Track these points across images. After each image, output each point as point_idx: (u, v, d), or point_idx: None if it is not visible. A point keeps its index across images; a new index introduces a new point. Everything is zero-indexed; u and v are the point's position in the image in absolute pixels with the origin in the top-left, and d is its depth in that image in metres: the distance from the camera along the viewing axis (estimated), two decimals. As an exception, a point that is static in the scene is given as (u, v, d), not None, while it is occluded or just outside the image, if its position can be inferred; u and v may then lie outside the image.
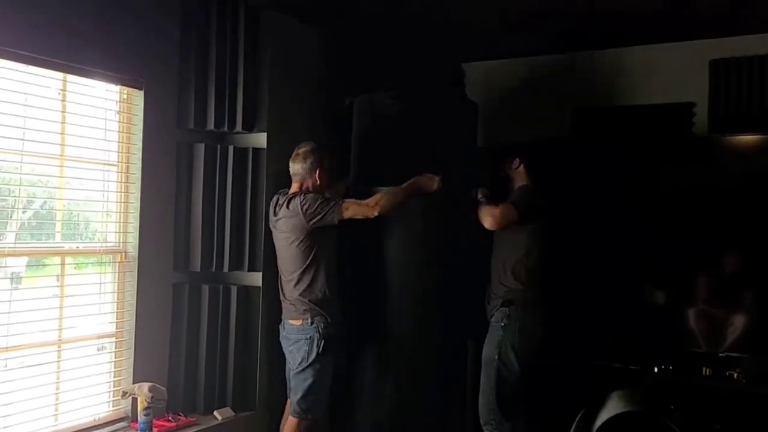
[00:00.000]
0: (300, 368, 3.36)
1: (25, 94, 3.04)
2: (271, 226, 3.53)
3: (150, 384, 3.34)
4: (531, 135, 4.40)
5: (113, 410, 3.44)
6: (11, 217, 3.13)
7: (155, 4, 3.53)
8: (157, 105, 3.54)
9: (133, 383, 3.41)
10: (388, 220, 3.56)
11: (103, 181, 3.42)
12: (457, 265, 3.76)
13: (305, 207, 3.32)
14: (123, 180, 3.48)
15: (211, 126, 3.66)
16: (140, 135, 3.49)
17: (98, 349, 3.44)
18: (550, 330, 3.63)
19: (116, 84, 3.42)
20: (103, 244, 3.44)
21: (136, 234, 3.48)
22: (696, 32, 4.20)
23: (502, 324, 3.55)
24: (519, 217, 3.54)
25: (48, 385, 3.18)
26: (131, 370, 3.46)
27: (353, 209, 3.35)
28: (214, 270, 3.70)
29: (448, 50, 4.75)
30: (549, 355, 3.71)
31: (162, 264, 3.60)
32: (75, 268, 3.40)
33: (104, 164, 3.43)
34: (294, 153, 3.48)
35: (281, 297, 3.49)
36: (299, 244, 3.35)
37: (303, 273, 3.36)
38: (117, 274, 3.47)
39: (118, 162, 3.47)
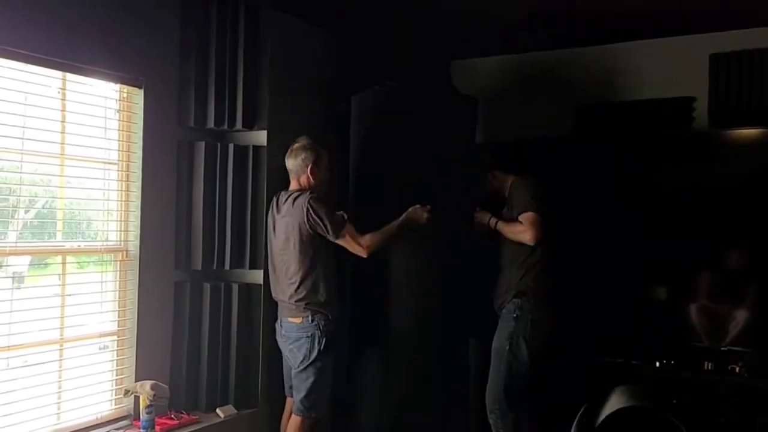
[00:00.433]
0: (302, 367, 3.33)
1: (25, 93, 3.04)
2: (270, 226, 3.49)
3: (152, 382, 3.35)
4: (530, 133, 4.41)
5: (116, 408, 3.45)
6: (13, 216, 3.14)
7: (155, 3, 3.53)
8: (157, 103, 3.54)
9: (136, 381, 3.41)
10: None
11: (104, 179, 3.43)
12: (459, 263, 3.75)
13: (310, 209, 3.27)
14: (124, 179, 3.49)
15: (211, 124, 3.67)
16: (140, 133, 3.49)
17: (100, 348, 3.45)
18: (561, 323, 3.65)
19: (116, 83, 3.42)
20: (105, 243, 3.44)
21: (137, 232, 3.48)
22: (696, 26, 4.19)
23: (514, 315, 3.57)
24: (540, 214, 3.57)
25: (50, 383, 3.18)
26: (133, 368, 3.47)
27: (349, 243, 3.35)
28: (215, 268, 3.70)
29: (447, 47, 4.76)
30: (559, 348, 3.73)
31: (163, 262, 3.60)
32: (77, 267, 3.41)
33: (105, 163, 3.43)
34: (289, 149, 3.46)
35: (276, 297, 3.46)
36: (300, 244, 3.31)
37: (304, 275, 3.31)
38: (118, 272, 3.48)
39: (118, 161, 3.48)
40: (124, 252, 3.49)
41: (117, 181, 3.47)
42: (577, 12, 3.99)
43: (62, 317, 3.22)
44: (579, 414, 3.70)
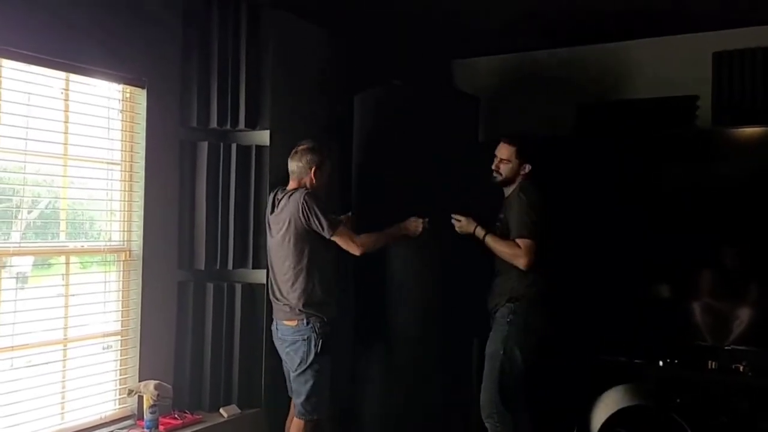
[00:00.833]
0: (300, 370, 3.31)
1: (29, 93, 3.04)
2: (267, 223, 3.48)
3: (156, 382, 3.35)
4: (534, 131, 4.40)
5: (119, 408, 3.45)
6: (16, 217, 3.14)
7: (158, 4, 3.54)
8: (159, 103, 3.55)
9: (139, 381, 3.42)
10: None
11: (107, 180, 3.43)
12: (462, 263, 3.75)
13: (305, 204, 3.26)
14: (126, 179, 3.49)
15: (214, 124, 3.67)
16: (143, 134, 3.50)
17: (104, 348, 3.45)
18: (556, 326, 3.60)
19: (119, 83, 3.42)
20: (108, 243, 3.45)
21: (140, 233, 3.48)
22: (699, 24, 4.19)
23: (508, 320, 3.51)
24: (537, 240, 3.43)
25: (54, 383, 3.19)
26: (137, 368, 3.47)
27: (344, 239, 3.34)
28: (218, 268, 3.71)
29: (448, 46, 4.76)
30: (554, 351, 3.70)
31: (166, 262, 3.61)
32: (80, 267, 3.41)
33: (108, 163, 3.43)
34: (293, 151, 3.44)
35: (272, 297, 3.44)
36: (295, 240, 3.29)
37: (298, 273, 3.30)
38: (122, 272, 3.48)
39: (121, 161, 3.48)
40: (127, 252, 3.49)
41: (120, 181, 3.47)
42: (579, 11, 3.99)
43: (66, 317, 3.22)
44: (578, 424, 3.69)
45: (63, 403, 3.21)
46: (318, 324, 3.30)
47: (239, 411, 3.67)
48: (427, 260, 3.70)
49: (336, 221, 3.35)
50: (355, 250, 3.38)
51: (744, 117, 4.06)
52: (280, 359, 3.55)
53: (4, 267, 3.00)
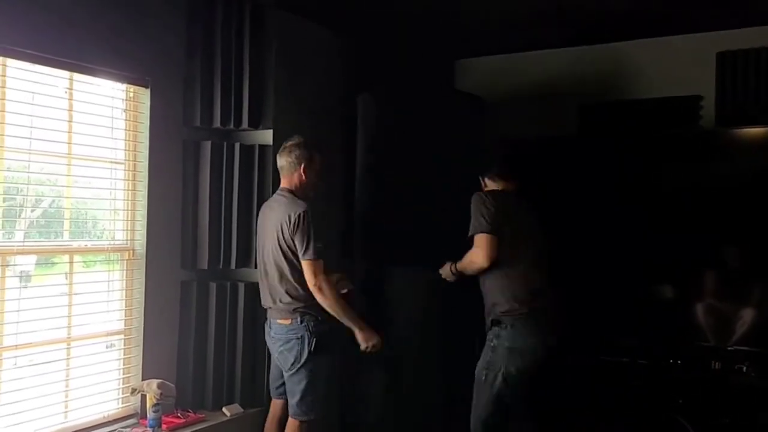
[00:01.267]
0: (293, 370, 3.25)
1: (32, 93, 3.05)
2: (260, 225, 3.44)
3: (159, 381, 3.36)
4: (535, 131, 4.40)
5: (122, 407, 3.46)
6: (20, 215, 3.15)
7: (161, 3, 3.54)
8: (163, 103, 3.55)
9: (142, 380, 3.42)
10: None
11: (111, 179, 3.44)
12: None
13: (300, 220, 3.18)
14: (130, 178, 3.50)
15: (217, 123, 3.67)
16: (147, 133, 3.50)
17: (107, 347, 3.46)
18: (541, 346, 3.35)
19: (123, 82, 3.43)
20: (111, 242, 3.45)
21: (144, 232, 3.49)
22: (702, 25, 4.18)
23: (492, 345, 3.36)
24: (495, 234, 3.27)
25: (57, 382, 3.19)
26: (140, 367, 3.48)
27: (312, 269, 3.18)
28: (221, 267, 3.71)
29: (451, 46, 4.76)
30: (554, 357, 3.48)
31: (169, 261, 3.61)
32: (83, 266, 3.42)
33: (111, 162, 3.44)
34: (282, 146, 3.39)
35: (264, 304, 3.40)
36: (287, 241, 3.22)
37: (291, 271, 3.25)
38: (125, 271, 3.49)
39: (125, 160, 3.49)
40: (131, 251, 3.50)
41: (123, 180, 3.48)
42: (582, 10, 3.99)
43: (69, 316, 3.23)
44: None
45: (66, 401, 3.22)
46: (312, 323, 3.25)
47: (242, 410, 3.67)
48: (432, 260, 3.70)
49: (321, 252, 3.22)
50: (311, 285, 3.20)
51: (748, 117, 4.05)
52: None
53: (7, 266, 3.00)
